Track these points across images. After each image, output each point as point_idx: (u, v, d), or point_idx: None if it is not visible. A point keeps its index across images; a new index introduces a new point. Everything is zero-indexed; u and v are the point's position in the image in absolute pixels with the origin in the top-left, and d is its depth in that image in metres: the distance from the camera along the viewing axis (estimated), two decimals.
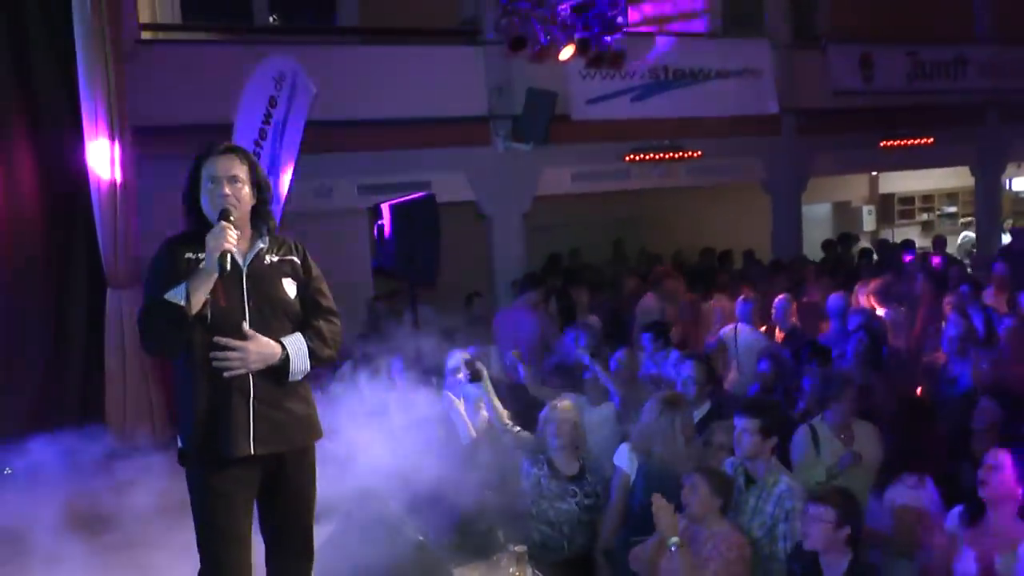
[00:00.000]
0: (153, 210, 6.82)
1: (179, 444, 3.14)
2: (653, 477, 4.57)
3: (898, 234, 15.84)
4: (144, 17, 9.41)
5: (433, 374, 5.37)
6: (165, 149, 7.74)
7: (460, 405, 5.22)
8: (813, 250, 12.89)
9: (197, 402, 3.06)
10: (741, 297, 7.54)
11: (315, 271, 3.31)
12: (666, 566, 3.90)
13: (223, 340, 3.01)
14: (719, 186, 12.97)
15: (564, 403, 5.01)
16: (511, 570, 3.92)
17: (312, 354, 3.16)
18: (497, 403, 5.16)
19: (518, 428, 5.12)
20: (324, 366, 3.38)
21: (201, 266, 2.98)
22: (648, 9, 12.01)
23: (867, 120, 12.80)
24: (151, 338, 3.08)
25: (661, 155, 11.50)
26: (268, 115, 7.54)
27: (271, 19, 11.23)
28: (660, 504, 3.92)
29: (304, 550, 3.35)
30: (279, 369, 3.10)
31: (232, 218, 3.03)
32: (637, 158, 11.42)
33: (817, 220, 15.51)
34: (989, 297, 8.26)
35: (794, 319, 7.53)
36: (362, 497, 4.45)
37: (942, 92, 13.32)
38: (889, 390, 5.97)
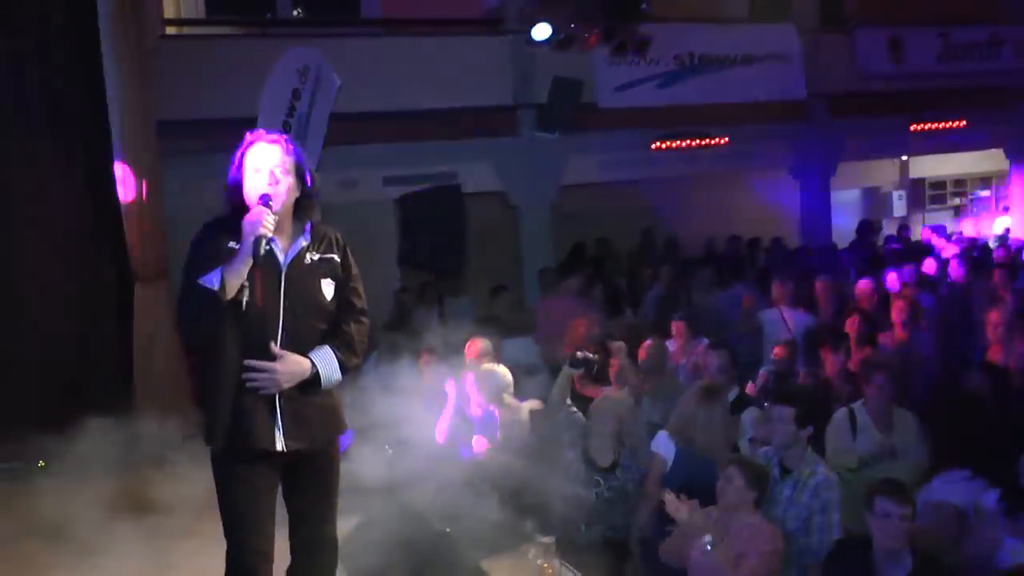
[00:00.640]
0: (178, 204, 6.87)
1: (205, 435, 3.13)
2: (691, 464, 4.58)
3: (929, 219, 15.59)
4: (168, 12, 9.44)
5: (459, 365, 5.37)
6: (189, 144, 7.83)
7: (450, 394, 5.21)
8: (841, 237, 12.69)
9: (224, 396, 3.05)
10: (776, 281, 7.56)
11: (354, 269, 3.29)
12: (699, 560, 3.84)
13: (252, 362, 3.02)
14: (747, 173, 12.82)
15: (617, 395, 5.02)
16: (539, 562, 3.89)
17: (342, 366, 3.18)
18: (563, 383, 5.10)
19: (575, 409, 5.13)
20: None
21: (235, 248, 2.97)
22: None
23: (897, 103, 12.56)
24: (187, 322, 3.10)
25: (688, 142, 11.38)
26: (292, 107, 7.54)
27: (294, 12, 11.25)
28: (674, 505, 3.90)
29: (328, 540, 3.35)
30: (310, 382, 3.11)
31: (270, 204, 3.03)
32: (664, 145, 11.32)
33: (846, 206, 15.28)
34: None
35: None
36: (388, 488, 4.45)
37: (975, 74, 13.03)
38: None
